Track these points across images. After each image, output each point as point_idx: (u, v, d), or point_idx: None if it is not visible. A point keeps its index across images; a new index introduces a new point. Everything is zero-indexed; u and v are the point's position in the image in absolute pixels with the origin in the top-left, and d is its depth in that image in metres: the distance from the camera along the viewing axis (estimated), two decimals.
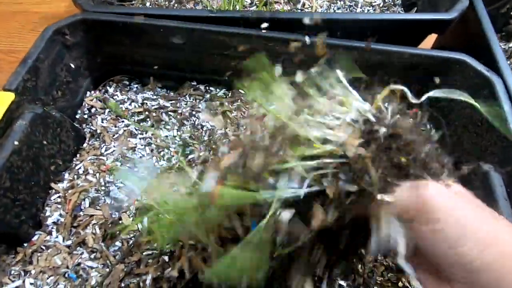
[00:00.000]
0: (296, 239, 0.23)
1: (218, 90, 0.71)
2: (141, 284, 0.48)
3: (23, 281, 0.48)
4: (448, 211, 0.20)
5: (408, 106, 0.23)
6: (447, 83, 0.60)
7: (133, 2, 0.82)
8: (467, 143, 0.57)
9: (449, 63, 0.58)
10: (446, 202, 0.21)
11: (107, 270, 0.49)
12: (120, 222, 0.52)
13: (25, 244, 0.51)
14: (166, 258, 0.49)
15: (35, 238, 0.52)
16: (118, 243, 0.51)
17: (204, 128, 0.65)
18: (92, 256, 0.50)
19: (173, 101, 0.69)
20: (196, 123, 0.66)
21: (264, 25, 0.59)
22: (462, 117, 0.60)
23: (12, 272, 0.49)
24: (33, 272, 0.49)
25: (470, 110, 0.58)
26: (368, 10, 0.83)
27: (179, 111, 0.67)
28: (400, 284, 0.48)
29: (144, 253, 0.50)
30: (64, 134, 0.58)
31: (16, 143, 0.48)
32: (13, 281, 0.48)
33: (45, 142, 0.54)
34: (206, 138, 0.63)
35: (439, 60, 0.59)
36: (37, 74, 0.54)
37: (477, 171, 0.50)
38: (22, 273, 0.49)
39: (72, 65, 0.62)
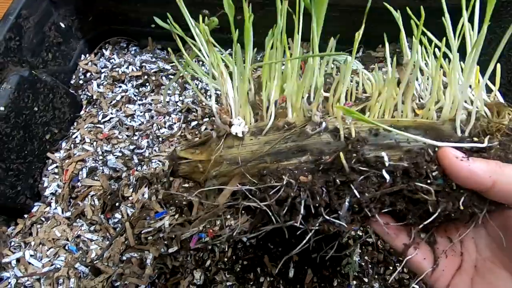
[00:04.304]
0: None
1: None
2: (144, 258, 0.45)
3: (23, 253, 0.46)
4: None
5: None
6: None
7: None
8: None
9: None
10: None
11: (107, 242, 0.46)
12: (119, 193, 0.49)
13: (25, 216, 0.49)
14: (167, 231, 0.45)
15: (34, 209, 0.50)
16: (117, 215, 0.48)
17: (208, 93, 0.59)
18: (92, 228, 0.48)
19: (174, 64, 0.63)
20: (200, 86, 0.60)
21: None
22: None
23: (12, 243, 0.47)
24: (32, 243, 0.47)
25: None
26: None
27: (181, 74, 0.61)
28: None
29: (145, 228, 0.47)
30: (57, 100, 0.54)
31: (1, 108, 0.44)
32: (13, 253, 0.46)
33: (36, 109, 0.50)
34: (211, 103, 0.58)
35: None
36: (20, 32, 0.49)
37: None
38: (23, 245, 0.47)
39: (62, 25, 0.57)
